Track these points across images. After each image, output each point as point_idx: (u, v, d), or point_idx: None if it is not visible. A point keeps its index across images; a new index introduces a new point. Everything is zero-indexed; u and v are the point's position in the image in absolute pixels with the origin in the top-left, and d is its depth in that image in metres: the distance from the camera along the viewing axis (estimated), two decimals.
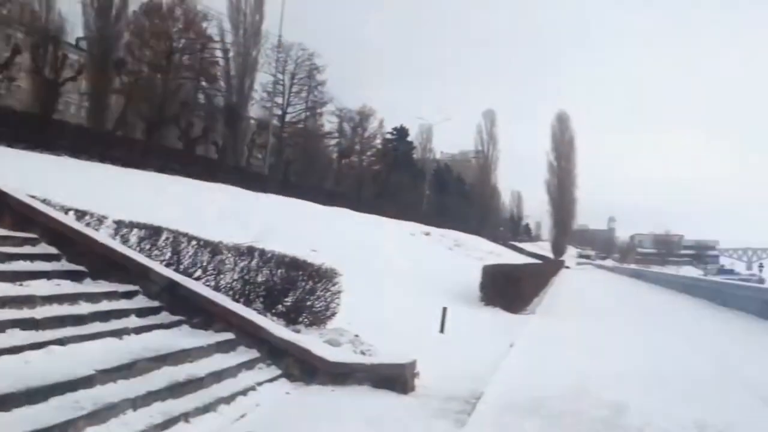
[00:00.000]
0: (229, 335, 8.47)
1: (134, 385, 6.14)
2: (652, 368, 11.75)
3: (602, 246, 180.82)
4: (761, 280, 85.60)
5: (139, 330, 7.66)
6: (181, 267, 10.09)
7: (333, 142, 72.85)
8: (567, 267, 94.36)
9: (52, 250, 8.78)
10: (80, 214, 10.21)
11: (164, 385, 6.41)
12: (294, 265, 10.63)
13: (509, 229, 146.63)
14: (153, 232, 10.39)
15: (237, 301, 9.70)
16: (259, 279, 10.40)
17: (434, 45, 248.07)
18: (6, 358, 5.62)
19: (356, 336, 9.99)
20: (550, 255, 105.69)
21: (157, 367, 6.77)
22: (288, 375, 8.38)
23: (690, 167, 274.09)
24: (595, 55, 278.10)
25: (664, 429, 7.58)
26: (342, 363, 8.52)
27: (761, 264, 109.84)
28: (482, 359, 11.61)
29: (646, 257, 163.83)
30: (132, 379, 6.29)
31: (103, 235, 9.77)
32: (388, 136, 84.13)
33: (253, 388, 7.59)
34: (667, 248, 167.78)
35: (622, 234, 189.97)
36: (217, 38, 51.55)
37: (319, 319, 10.54)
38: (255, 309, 9.71)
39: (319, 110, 66.75)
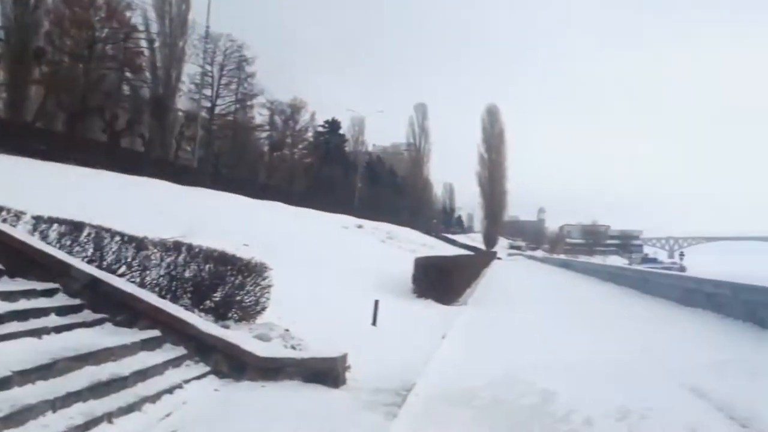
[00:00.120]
0: (154, 332, 8.25)
1: (54, 386, 5.90)
2: (579, 357, 12.04)
3: (533, 237, 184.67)
4: (682, 268, 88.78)
5: (59, 329, 7.36)
6: (105, 263, 9.76)
7: (264, 134, 72.13)
8: (499, 258, 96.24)
9: None
10: None
11: (86, 385, 6.19)
12: (223, 259, 10.43)
13: (442, 221, 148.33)
14: (74, 228, 10.01)
15: (163, 297, 9.47)
16: (187, 274, 10.15)
17: (366, 38, 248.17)
18: None
19: (287, 330, 9.89)
20: (482, 246, 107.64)
21: (78, 366, 6.53)
22: (217, 372, 8.23)
23: (616, 159, 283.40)
24: (526, 49, 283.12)
25: (589, 415, 7.75)
26: (272, 358, 8.41)
27: (682, 252, 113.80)
28: (414, 351, 11.67)
29: (575, 247, 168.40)
30: (52, 379, 6.05)
31: (21, 232, 9.37)
32: (320, 128, 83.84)
33: (180, 386, 7.41)
34: (594, 238, 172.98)
35: (552, 225, 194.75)
36: (141, 28, 50.22)
37: (248, 314, 10.38)
38: (182, 305, 9.50)
39: (249, 102, 65.91)
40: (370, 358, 10.13)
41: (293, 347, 9.31)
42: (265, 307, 10.63)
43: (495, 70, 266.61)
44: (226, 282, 10.19)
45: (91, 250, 9.86)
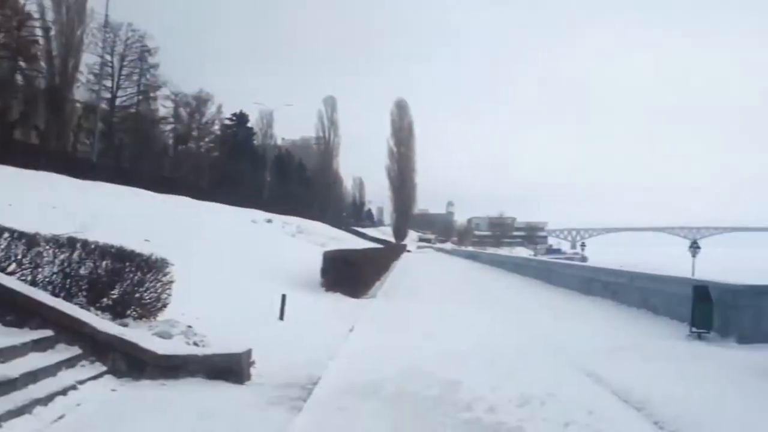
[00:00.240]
0: (47, 332, 7.89)
1: None
2: (484, 346, 12.26)
3: (442, 230, 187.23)
4: (584, 259, 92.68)
5: None
6: None
7: (168, 127, 69.99)
8: (408, 251, 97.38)
9: None
10: None
11: None
12: (121, 255, 10.06)
13: (352, 214, 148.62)
14: None
15: (57, 295, 9.04)
16: (82, 271, 9.72)
17: (276, 31, 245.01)
18: None
19: (189, 327, 9.66)
20: (392, 239, 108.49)
21: None
22: (114, 371, 7.96)
23: (523, 153, 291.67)
24: (434, 43, 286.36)
25: (492, 402, 7.91)
26: (173, 355, 8.20)
27: (583, 243, 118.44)
28: (322, 345, 11.67)
29: (483, 239, 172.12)
30: None
31: None
32: (227, 121, 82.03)
33: (74, 387, 7.12)
34: (501, 230, 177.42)
35: (461, 217, 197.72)
36: (36, 15, 47.70)
37: (149, 311, 10.07)
38: (77, 303, 9.10)
39: (152, 94, 63.63)
40: (277, 352, 10.07)
41: (196, 344, 9.10)
42: (167, 304, 10.34)
43: (404, 64, 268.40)
44: (125, 279, 9.84)
45: None
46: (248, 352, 8.59)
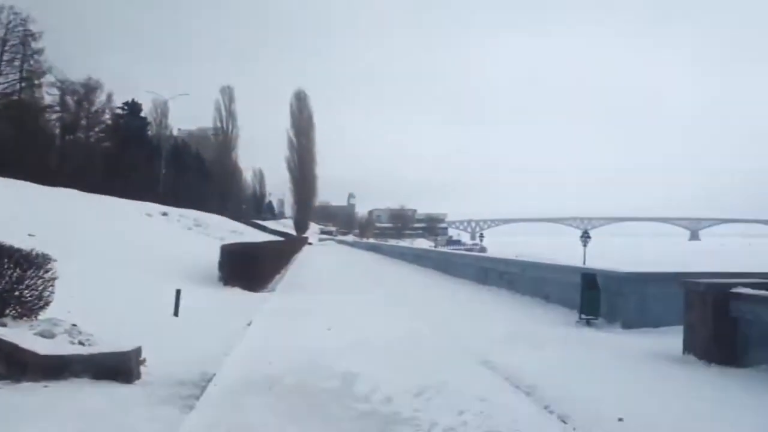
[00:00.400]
0: None
1: None
2: (382, 338, 12.30)
3: (344, 222, 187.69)
4: (483, 249, 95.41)
5: None
6: None
7: (55, 116, 66.48)
8: (310, 243, 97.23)
9: None
10: None
11: None
12: None
13: (252, 207, 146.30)
14: None
15: None
16: None
17: (170, 17, 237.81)
18: None
19: (74, 325, 9.18)
20: (293, 232, 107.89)
21: None
22: None
23: (423, 145, 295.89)
24: (335, 36, 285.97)
25: (389, 393, 7.95)
26: (56, 356, 7.77)
27: (482, 234, 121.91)
28: (217, 340, 11.43)
29: (384, 231, 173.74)
30: None
31: None
32: (119, 111, 78.78)
33: None
34: (402, 222, 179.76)
35: (362, 209, 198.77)
36: None
37: (30, 309, 9.50)
38: None
39: (36, 81, 60.36)
40: (170, 350, 9.77)
41: (81, 343, 8.66)
42: (50, 302, 9.79)
43: (303, 55, 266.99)
44: (2, 276, 9.25)
45: None
46: (138, 350, 8.27)
